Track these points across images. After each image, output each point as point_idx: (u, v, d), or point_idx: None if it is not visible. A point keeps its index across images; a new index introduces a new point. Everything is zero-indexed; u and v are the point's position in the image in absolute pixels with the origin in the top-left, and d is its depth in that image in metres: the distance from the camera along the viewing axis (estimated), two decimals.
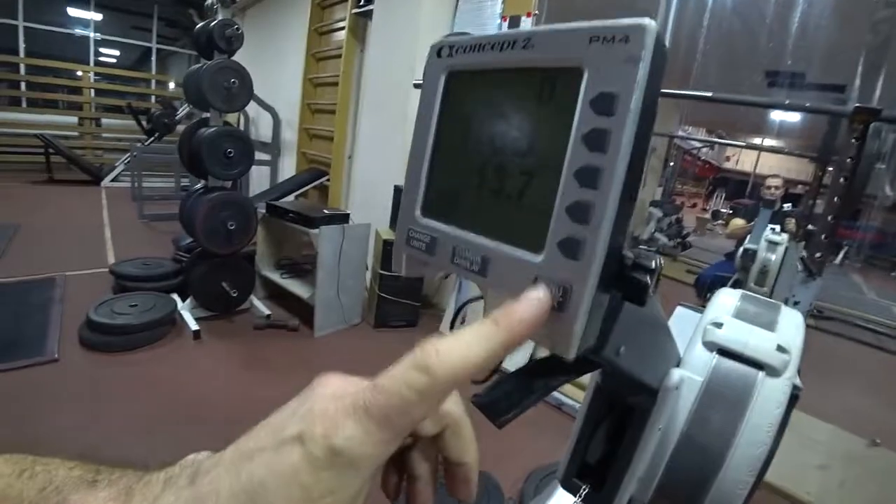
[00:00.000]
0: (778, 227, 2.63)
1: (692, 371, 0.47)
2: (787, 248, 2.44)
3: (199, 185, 2.79)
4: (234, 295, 2.74)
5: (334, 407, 0.21)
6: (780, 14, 4.05)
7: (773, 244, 2.41)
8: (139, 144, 6.28)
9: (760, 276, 2.45)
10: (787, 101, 1.44)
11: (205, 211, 2.50)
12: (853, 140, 1.10)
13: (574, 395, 2.19)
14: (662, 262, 0.25)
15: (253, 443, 0.22)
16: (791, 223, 3.38)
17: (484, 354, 0.21)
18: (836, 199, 1.16)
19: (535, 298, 0.23)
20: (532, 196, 0.26)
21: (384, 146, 3.51)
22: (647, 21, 0.21)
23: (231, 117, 4.29)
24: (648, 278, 0.24)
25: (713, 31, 4.21)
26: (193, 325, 2.59)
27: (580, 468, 0.44)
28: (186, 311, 2.70)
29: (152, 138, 6.41)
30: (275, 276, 3.10)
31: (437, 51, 0.31)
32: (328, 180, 4.31)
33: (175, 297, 2.79)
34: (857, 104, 1.06)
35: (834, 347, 4.09)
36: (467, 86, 0.30)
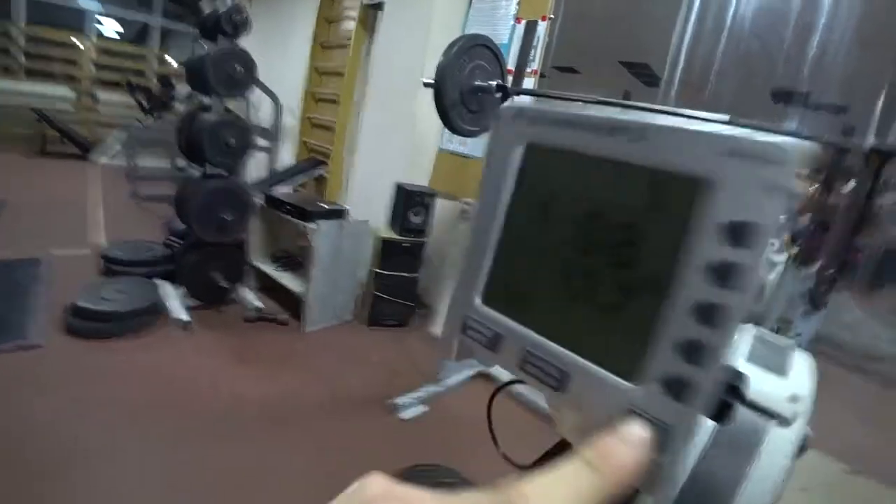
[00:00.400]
0: (777, 244, 2.65)
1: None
2: (784, 268, 2.46)
3: (195, 172, 2.75)
4: (226, 286, 2.71)
5: None
6: (799, 38, 4.05)
7: (771, 264, 2.43)
8: (136, 121, 6.19)
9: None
10: (804, 133, 1.43)
11: (202, 200, 2.47)
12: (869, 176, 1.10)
13: None
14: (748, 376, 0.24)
15: None
16: (786, 237, 3.40)
17: None
18: (847, 236, 1.17)
19: (638, 439, 0.20)
20: (628, 316, 0.23)
21: (387, 142, 3.47)
22: (792, 143, 0.19)
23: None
24: (734, 400, 0.22)
25: (730, 51, 4.21)
26: (183, 315, 2.56)
27: None
28: (176, 300, 2.66)
29: (150, 116, 6.33)
30: (268, 269, 3.07)
31: (513, 114, 0.27)
32: (327, 171, 4.28)
33: (165, 283, 2.76)
34: (874, 143, 1.07)
35: (821, 369, 4.13)
36: (553, 167, 0.26)
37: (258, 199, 2.90)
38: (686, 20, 3.39)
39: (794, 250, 3.38)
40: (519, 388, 2.46)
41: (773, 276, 2.47)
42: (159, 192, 4.80)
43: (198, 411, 1.94)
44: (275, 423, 1.96)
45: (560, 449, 0.27)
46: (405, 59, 3.23)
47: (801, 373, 0.52)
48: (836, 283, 1.27)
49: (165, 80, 6.93)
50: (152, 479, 1.59)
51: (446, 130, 3.05)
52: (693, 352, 0.20)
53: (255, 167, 5.25)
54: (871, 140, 1.07)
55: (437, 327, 2.97)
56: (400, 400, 2.20)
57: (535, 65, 2.50)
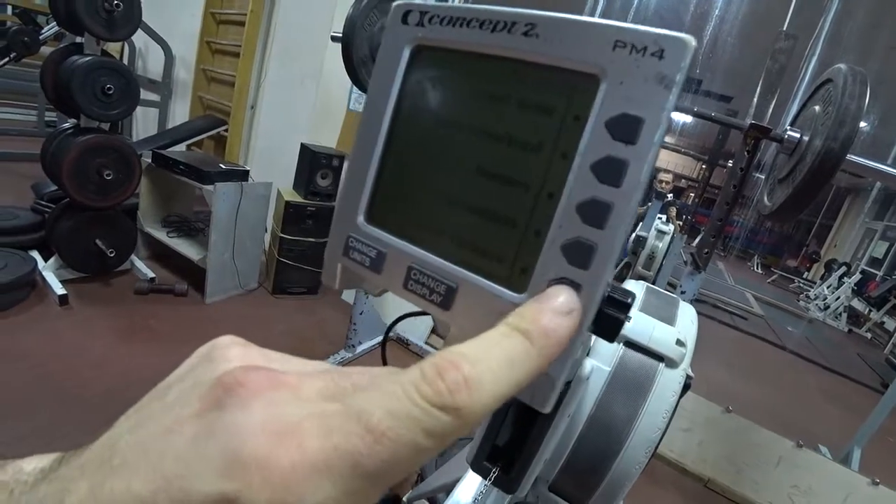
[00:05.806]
0: (665, 217, 2.95)
1: (601, 361, 0.49)
2: (672, 238, 2.74)
3: (67, 124, 2.38)
4: (111, 255, 2.42)
5: (287, 456, 0.13)
6: (696, 26, 4.44)
7: (661, 233, 2.69)
8: None
9: (648, 261, 2.72)
10: (695, 109, 1.58)
11: (74, 156, 2.15)
12: (745, 152, 1.23)
13: None
14: (635, 294, 0.23)
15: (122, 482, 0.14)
16: (672, 211, 3.83)
17: (517, 385, 0.17)
18: (725, 204, 1.30)
19: (568, 306, 0.19)
20: (517, 222, 0.22)
21: (293, 99, 3.26)
22: (687, 37, 0.18)
23: (113, 46, 3.72)
24: (623, 315, 0.22)
25: None
26: (59, 289, 2.25)
27: (491, 451, 0.44)
28: (50, 272, 2.33)
29: (7, 59, 5.36)
30: (160, 235, 2.79)
31: (404, 15, 0.24)
32: (226, 130, 3.94)
33: (35, 254, 2.40)
34: (752, 121, 1.19)
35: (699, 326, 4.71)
36: (440, 68, 0.24)
37: (145, 158, 2.60)
38: None
39: (680, 223, 3.81)
40: (419, 342, 2.47)
41: (661, 245, 2.73)
42: (24, 150, 4.15)
43: (80, 399, 1.73)
44: None
45: None
46: (314, 7, 3.02)
47: (686, 322, 0.56)
48: (715, 249, 1.42)
49: (27, 16, 5.90)
50: None
51: (356, 90, 2.92)
52: (579, 254, 0.19)
53: (143, 124, 4.72)
54: (749, 121, 1.20)
55: (349, 295, 2.91)
56: None
57: None
